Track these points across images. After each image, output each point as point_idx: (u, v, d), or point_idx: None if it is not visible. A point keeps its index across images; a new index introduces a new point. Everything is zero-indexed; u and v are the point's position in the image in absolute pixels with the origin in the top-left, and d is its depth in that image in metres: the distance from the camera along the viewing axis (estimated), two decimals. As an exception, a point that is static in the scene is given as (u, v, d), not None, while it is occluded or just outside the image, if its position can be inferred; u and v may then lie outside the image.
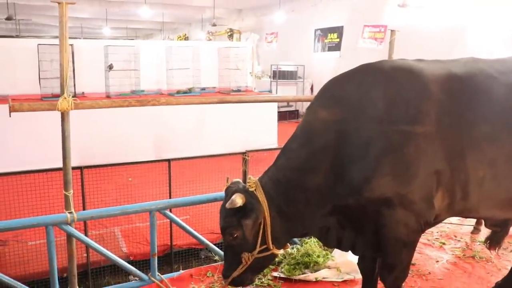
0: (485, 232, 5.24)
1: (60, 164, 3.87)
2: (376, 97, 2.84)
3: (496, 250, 4.17)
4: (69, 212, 3.50)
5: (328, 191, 2.90)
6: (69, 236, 3.59)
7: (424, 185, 2.79)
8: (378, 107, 2.81)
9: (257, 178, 3.08)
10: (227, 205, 2.86)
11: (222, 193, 4.12)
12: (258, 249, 2.97)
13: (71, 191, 3.51)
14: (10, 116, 3.24)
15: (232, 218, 2.94)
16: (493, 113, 2.88)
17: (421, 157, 2.76)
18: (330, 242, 3.17)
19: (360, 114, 2.83)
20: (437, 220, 3.12)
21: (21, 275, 5.04)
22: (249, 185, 2.98)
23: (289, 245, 3.41)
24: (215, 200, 4.06)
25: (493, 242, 4.02)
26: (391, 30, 5.03)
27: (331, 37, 17.14)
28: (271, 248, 2.99)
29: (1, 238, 5.60)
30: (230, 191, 3.00)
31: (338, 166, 2.85)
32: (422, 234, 4.22)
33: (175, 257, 5.83)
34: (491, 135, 2.85)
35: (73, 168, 4.86)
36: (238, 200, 2.84)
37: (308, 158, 2.91)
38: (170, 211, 5.21)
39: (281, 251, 3.18)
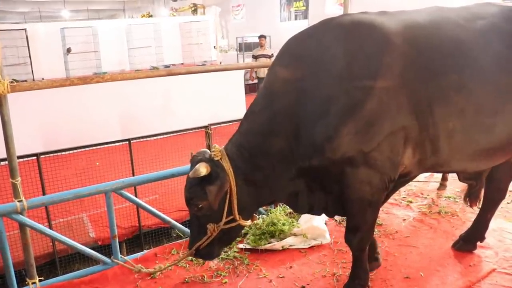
0: (451, 187, 5.31)
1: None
2: (336, 53, 2.75)
3: (478, 205, 4.14)
4: (18, 201, 3.36)
5: (292, 154, 2.84)
6: (22, 226, 3.45)
7: (389, 142, 2.72)
8: (339, 63, 2.73)
9: (223, 146, 3.00)
10: (190, 174, 2.80)
11: (179, 168, 4.09)
12: (224, 220, 2.91)
13: (19, 178, 3.35)
14: None
15: (196, 187, 2.85)
16: (460, 62, 2.80)
17: (385, 113, 2.69)
18: (300, 207, 3.12)
19: (320, 72, 2.75)
20: (409, 177, 3.11)
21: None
22: (214, 154, 2.89)
23: (257, 216, 3.34)
24: (172, 176, 3.96)
25: (472, 197, 4.00)
26: (345, -10, 4.91)
27: (297, 5, 16.92)
28: (238, 218, 2.94)
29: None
30: (195, 161, 2.92)
31: (300, 126, 2.78)
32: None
33: (146, 238, 5.74)
34: (459, 85, 2.77)
35: (29, 155, 4.76)
36: (201, 169, 2.77)
37: (270, 120, 2.84)
38: (135, 191, 5.15)
39: (249, 222, 3.11)
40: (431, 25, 2.87)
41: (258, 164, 2.90)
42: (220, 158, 2.88)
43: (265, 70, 10.60)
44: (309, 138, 2.77)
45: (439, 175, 5.44)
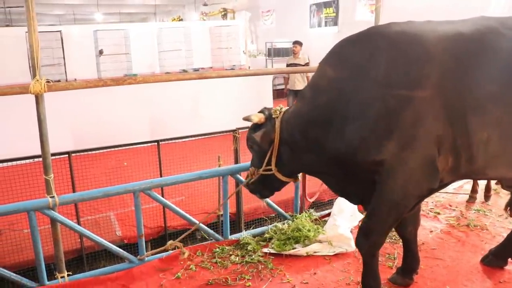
0: (480, 200, 5.19)
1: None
2: (378, 61, 2.84)
3: None
4: (50, 197, 3.46)
5: (327, 143, 3.01)
6: (53, 221, 3.55)
7: (422, 149, 2.75)
8: (379, 70, 2.82)
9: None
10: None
11: (207, 171, 4.14)
12: (263, 167, 3.38)
13: (51, 175, 3.46)
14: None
15: (250, 131, 3.46)
16: (500, 71, 2.78)
17: (420, 121, 2.72)
18: (333, 188, 3.45)
19: (361, 76, 2.88)
20: (441, 184, 3.06)
21: (17, 263, 5.03)
22: (274, 111, 3.35)
23: (299, 178, 3.74)
24: (200, 178, 4.01)
25: None
26: (376, -3, 4.87)
27: (327, 12, 16.84)
28: (274, 169, 3.35)
29: (-4, 228, 5.58)
30: (259, 111, 3.45)
31: (337, 122, 2.94)
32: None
33: (171, 239, 5.78)
34: (497, 95, 2.75)
35: (61, 153, 4.89)
36: (253, 117, 3.35)
37: (312, 111, 3.10)
38: (162, 192, 5.22)
39: (286, 179, 3.43)
40: (472, 35, 2.85)
41: (295, 140, 3.23)
42: (277, 117, 3.31)
43: (295, 81, 10.43)
44: (344, 135, 2.89)
45: (469, 187, 5.33)
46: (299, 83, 10.25)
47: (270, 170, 3.37)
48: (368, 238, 3.05)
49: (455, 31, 2.87)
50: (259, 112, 3.44)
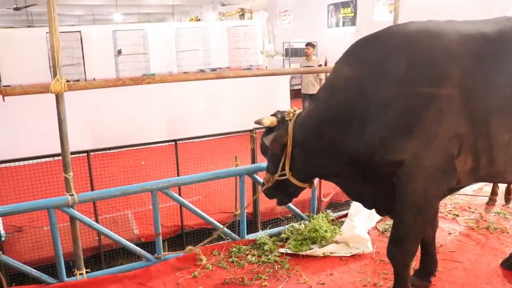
0: (500, 202, 5.10)
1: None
2: (397, 60, 2.80)
3: None
4: (70, 195, 3.51)
5: (343, 144, 2.97)
6: (72, 219, 3.60)
7: (443, 148, 2.71)
8: (398, 69, 2.78)
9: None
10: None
11: (224, 170, 4.16)
12: (278, 173, 3.33)
13: (71, 173, 3.51)
14: (3, 101, 3.22)
15: (263, 136, 3.36)
16: None
17: (441, 119, 2.69)
18: (348, 192, 3.41)
19: (380, 75, 2.84)
20: (458, 186, 3.04)
21: (37, 259, 5.12)
22: (287, 114, 3.29)
23: (314, 183, 3.65)
24: (217, 177, 4.02)
25: None
26: (395, -5, 4.82)
27: (345, 11, 16.75)
28: (288, 174, 3.30)
29: (17, 224, 5.69)
30: (272, 114, 3.40)
31: (355, 122, 2.89)
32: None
33: (188, 238, 5.83)
34: None
35: (80, 152, 4.96)
36: (264, 120, 3.31)
37: (327, 111, 3.05)
38: (179, 191, 5.26)
39: (302, 184, 3.38)
40: (494, 35, 2.80)
41: (309, 142, 3.16)
42: (290, 120, 3.25)
43: (308, 85, 10.30)
44: (363, 135, 2.85)
45: (489, 190, 5.25)
46: (313, 87, 10.06)
47: (285, 175, 3.31)
48: (399, 247, 3.00)
49: (476, 30, 2.82)
50: (271, 115, 3.37)
